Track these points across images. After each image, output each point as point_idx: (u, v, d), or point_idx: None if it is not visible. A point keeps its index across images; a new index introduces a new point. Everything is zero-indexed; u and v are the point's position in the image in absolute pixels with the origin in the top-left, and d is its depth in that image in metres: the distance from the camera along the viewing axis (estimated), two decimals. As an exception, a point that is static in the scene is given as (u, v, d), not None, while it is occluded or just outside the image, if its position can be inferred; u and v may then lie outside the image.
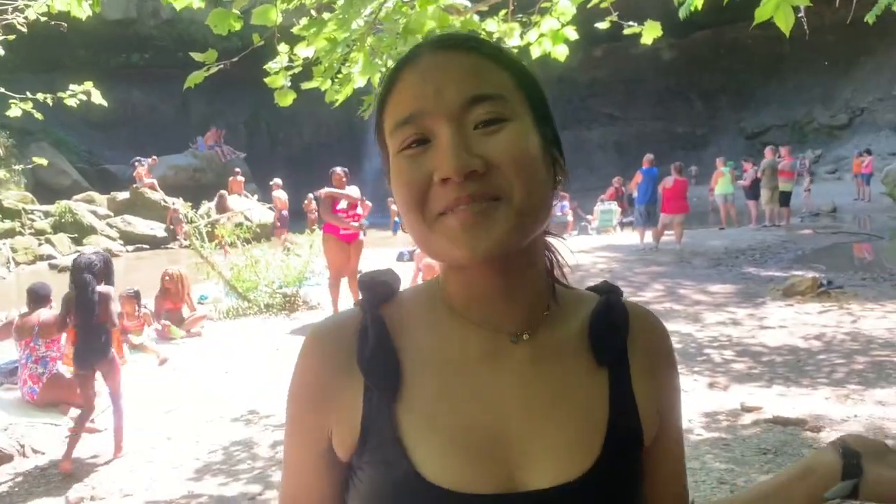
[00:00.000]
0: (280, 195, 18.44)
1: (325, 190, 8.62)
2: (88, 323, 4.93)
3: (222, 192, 18.30)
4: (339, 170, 8.74)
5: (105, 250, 18.43)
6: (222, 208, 17.18)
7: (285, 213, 18.16)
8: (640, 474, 0.82)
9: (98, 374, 5.10)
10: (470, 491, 0.73)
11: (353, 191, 8.77)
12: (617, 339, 0.84)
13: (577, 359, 0.82)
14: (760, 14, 2.57)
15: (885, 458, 0.77)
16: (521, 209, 0.73)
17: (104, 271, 5.08)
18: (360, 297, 0.86)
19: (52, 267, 16.66)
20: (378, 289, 0.86)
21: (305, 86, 3.49)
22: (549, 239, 0.87)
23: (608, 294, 0.89)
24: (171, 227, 19.24)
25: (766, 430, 4.48)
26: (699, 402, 5.09)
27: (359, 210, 8.85)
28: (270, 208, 18.83)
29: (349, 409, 0.79)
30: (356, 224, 8.69)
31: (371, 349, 0.79)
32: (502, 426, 0.78)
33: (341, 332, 0.82)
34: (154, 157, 23.84)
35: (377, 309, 0.83)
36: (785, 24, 2.50)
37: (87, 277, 4.93)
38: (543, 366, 0.81)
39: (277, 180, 19.07)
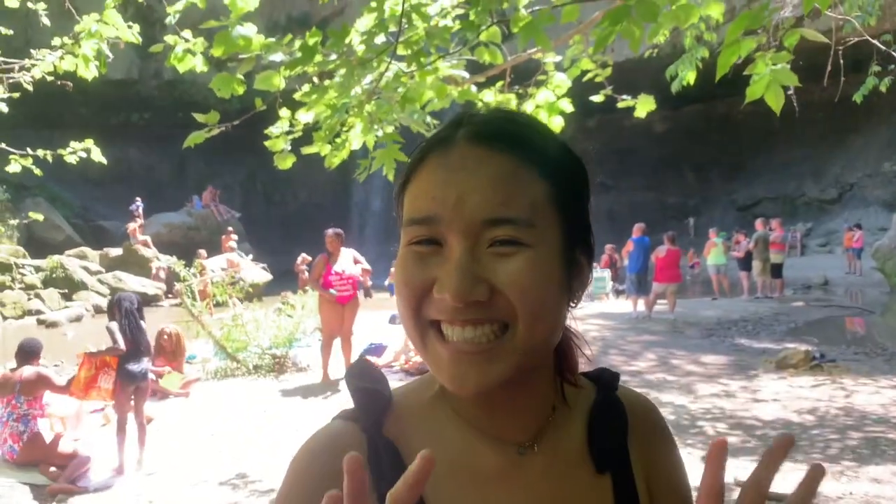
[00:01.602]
0: (233, 258, 18.24)
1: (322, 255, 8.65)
2: (132, 349, 5.89)
3: (200, 251, 18.27)
4: (331, 232, 8.70)
5: (94, 307, 18.45)
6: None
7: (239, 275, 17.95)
8: None
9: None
10: None
11: (349, 255, 8.77)
12: (617, 445, 0.82)
13: (581, 466, 0.80)
14: (752, 93, 2.64)
15: None
16: (523, 346, 0.69)
17: (140, 309, 6.19)
18: (355, 408, 0.78)
19: (41, 322, 16.51)
20: (377, 402, 0.78)
21: (306, 150, 3.55)
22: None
23: (605, 390, 0.86)
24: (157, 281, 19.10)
25: (761, 506, 4.40)
26: (691, 476, 4.94)
27: (356, 274, 8.84)
28: (264, 268, 18.80)
29: None
30: (346, 290, 8.64)
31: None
32: None
33: (344, 451, 0.73)
34: (138, 199, 23.81)
35: (381, 429, 0.76)
36: (775, 102, 2.56)
37: (133, 311, 6.04)
38: (551, 479, 0.77)
39: (233, 244, 19.02)
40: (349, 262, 8.73)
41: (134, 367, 5.92)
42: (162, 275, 20.90)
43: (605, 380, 0.87)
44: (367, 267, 9.00)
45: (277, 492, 0.76)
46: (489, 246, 0.68)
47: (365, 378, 0.79)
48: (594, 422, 0.82)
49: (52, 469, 5.75)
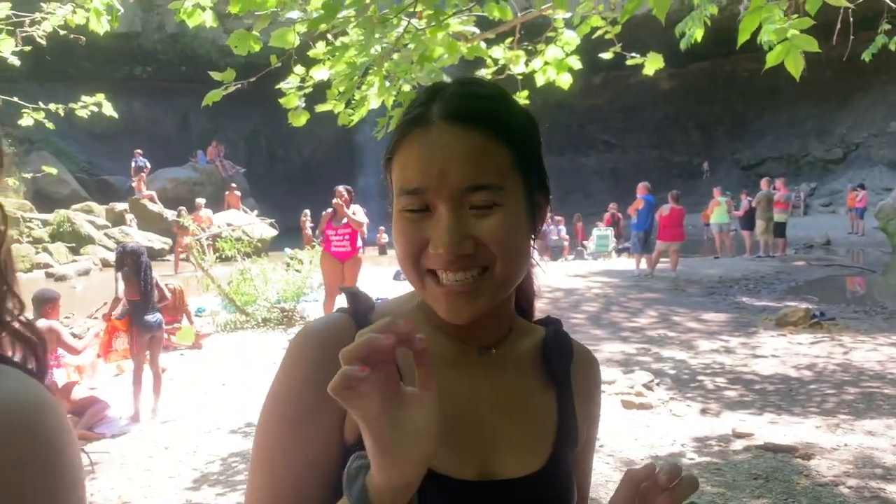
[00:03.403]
0: (202, 215, 18.01)
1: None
2: (145, 299, 6.03)
3: (181, 208, 18.27)
4: (341, 188, 8.84)
5: (101, 260, 18.60)
6: (183, 230, 16.92)
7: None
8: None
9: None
10: (460, 478, 0.86)
11: (357, 211, 8.84)
12: (564, 364, 0.99)
13: (532, 374, 0.97)
14: (771, 59, 2.65)
15: None
16: (501, 282, 0.85)
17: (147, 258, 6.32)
18: (348, 305, 0.94)
19: (49, 276, 16.67)
20: (363, 301, 0.94)
21: (319, 108, 3.59)
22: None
23: (554, 325, 1.04)
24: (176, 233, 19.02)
25: (758, 456, 4.56)
26: (691, 428, 5.17)
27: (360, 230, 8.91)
28: (272, 223, 18.83)
29: None
30: (342, 246, 8.73)
31: None
32: (477, 424, 0.90)
33: (339, 332, 0.88)
34: (138, 151, 23.72)
35: (367, 317, 0.91)
36: (795, 68, 2.58)
37: (143, 261, 6.13)
38: (506, 375, 0.94)
39: (201, 200, 18.92)
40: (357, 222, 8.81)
41: (149, 317, 6.06)
42: (134, 225, 20.98)
43: (553, 321, 1.05)
44: (362, 220, 8.85)
45: (279, 368, 0.89)
46: (470, 208, 0.83)
47: (354, 289, 0.97)
48: (547, 345, 1.00)
49: (70, 416, 5.93)
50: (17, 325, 0.71)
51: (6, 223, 0.71)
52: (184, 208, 18.37)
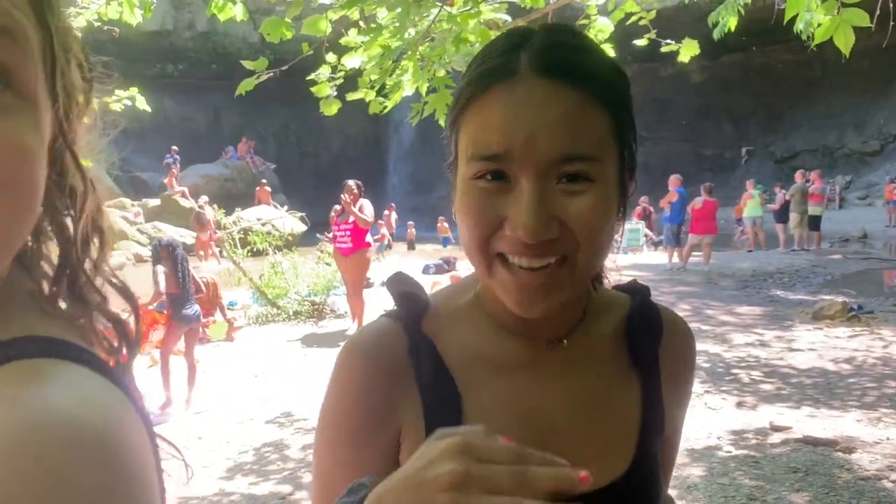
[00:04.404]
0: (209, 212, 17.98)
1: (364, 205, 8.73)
2: (184, 291, 6.11)
3: (201, 202, 18.35)
4: (350, 183, 8.68)
5: (135, 255, 18.84)
6: (201, 225, 16.98)
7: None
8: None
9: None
10: None
11: (364, 205, 8.68)
12: (653, 345, 0.87)
13: (612, 361, 0.85)
14: (819, 34, 2.56)
15: None
16: (582, 274, 0.73)
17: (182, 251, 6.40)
18: (398, 309, 0.84)
19: (84, 270, 16.88)
20: (416, 304, 0.84)
21: (350, 97, 3.58)
22: None
23: (640, 295, 0.90)
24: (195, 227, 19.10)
25: (796, 449, 4.47)
26: (727, 421, 5.08)
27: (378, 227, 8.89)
28: (302, 217, 18.95)
29: (412, 422, 0.79)
30: (344, 242, 8.68)
31: (430, 378, 0.80)
32: (551, 432, 0.80)
33: (389, 350, 0.81)
34: (174, 147, 23.96)
35: (420, 327, 0.82)
36: (845, 44, 2.48)
37: (179, 253, 6.20)
38: (579, 370, 0.83)
39: (204, 197, 18.99)
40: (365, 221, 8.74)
41: (188, 310, 6.16)
42: (141, 219, 21.17)
43: (639, 290, 0.92)
44: (366, 217, 8.67)
45: (330, 382, 0.83)
46: (558, 182, 0.69)
47: (404, 284, 0.86)
48: (632, 325, 0.87)
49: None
50: (106, 306, 0.60)
51: (85, 185, 0.59)
52: (204, 204, 18.58)
